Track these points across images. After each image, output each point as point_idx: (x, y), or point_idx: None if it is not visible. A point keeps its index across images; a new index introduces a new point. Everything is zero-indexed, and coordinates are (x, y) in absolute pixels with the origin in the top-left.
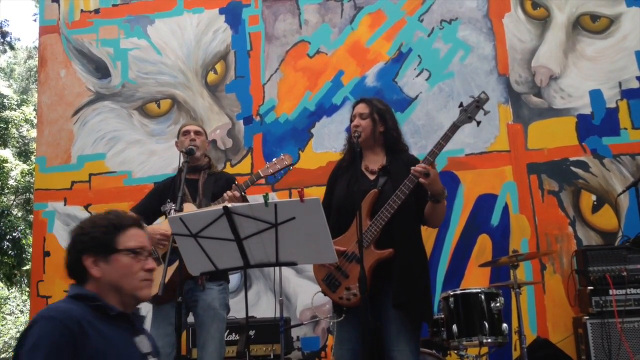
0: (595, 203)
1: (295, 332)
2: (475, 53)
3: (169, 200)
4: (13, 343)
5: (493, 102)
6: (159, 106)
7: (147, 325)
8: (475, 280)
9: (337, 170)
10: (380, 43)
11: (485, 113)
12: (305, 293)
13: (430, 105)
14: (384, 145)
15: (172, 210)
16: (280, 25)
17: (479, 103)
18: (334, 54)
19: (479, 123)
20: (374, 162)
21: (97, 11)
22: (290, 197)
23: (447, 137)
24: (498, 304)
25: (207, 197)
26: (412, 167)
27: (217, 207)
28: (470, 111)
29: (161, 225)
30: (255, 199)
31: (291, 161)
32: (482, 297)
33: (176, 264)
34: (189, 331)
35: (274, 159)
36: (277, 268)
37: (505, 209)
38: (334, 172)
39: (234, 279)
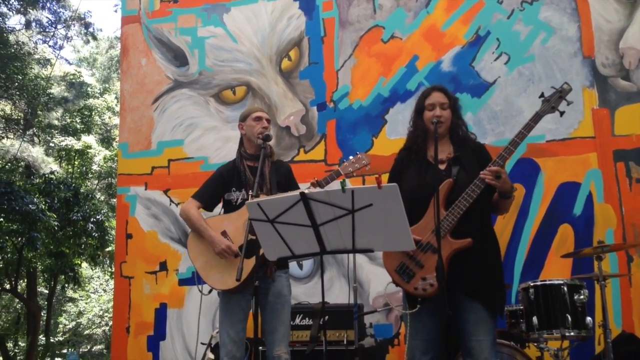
0: None
1: (368, 319)
2: (558, 35)
3: (234, 188)
4: (97, 320)
5: (577, 86)
6: (234, 93)
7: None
8: (556, 272)
9: (401, 161)
10: (456, 26)
11: (569, 103)
12: (378, 280)
13: (509, 90)
14: (449, 136)
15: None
16: (354, 10)
17: (561, 94)
18: (408, 39)
19: (562, 113)
20: (441, 151)
21: (175, 0)
22: (363, 184)
23: (529, 126)
24: (582, 297)
25: (273, 185)
26: (481, 172)
27: (294, 193)
28: (554, 101)
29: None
30: (331, 185)
31: (369, 161)
32: (565, 289)
33: (253, 259)
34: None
35: (351, 157)
36: (350, 254)
37: (589, 197)
38: (398, 163)
39: (307, 265)
